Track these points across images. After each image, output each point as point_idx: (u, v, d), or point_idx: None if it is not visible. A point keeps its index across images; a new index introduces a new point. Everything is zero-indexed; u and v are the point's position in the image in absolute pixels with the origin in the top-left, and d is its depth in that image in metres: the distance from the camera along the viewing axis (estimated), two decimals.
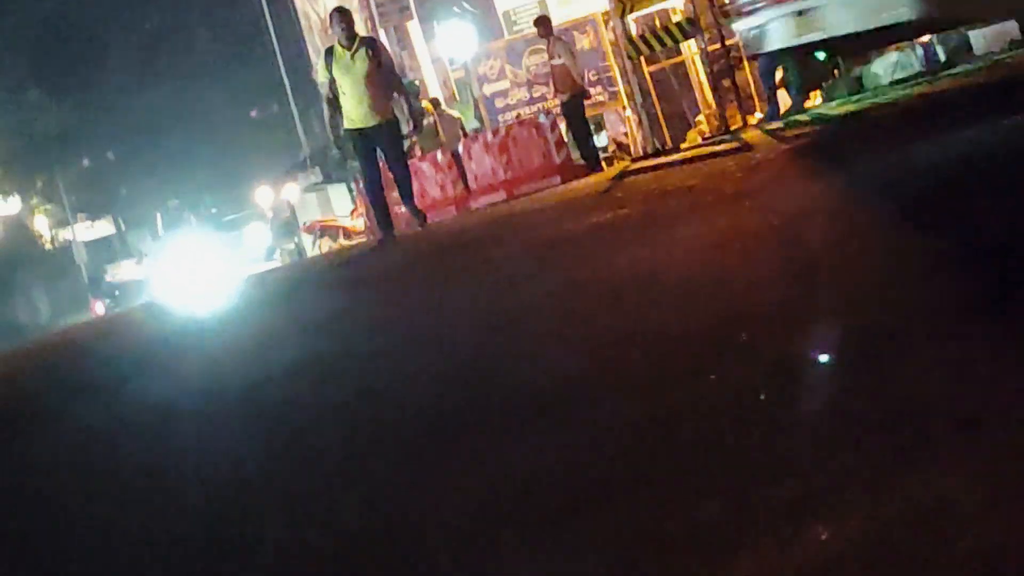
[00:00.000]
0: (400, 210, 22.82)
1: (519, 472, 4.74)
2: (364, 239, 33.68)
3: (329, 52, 16.02)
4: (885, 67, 25.90)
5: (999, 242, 6.48)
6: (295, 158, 61.69)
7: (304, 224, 42.88)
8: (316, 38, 44.64)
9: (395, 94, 16.41)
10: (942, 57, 25.57)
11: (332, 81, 15.94)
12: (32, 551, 6.11)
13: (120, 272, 48.17)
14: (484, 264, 12.57)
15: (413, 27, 41.32)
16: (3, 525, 6.83)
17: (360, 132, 15.99)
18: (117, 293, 51.81)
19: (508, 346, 8.11)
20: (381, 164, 18.16)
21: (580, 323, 7.77)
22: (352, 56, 15.79)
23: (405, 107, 16.45)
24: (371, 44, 16.23)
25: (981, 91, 17.40)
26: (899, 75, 25.09)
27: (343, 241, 37.48)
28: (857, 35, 16.12)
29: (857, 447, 3.86)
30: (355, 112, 15.78)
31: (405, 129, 17.98)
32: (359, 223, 37.00)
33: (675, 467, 4.22)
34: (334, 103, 16.07)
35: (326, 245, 38.15)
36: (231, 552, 5.19)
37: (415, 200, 17.63)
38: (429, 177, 31.24)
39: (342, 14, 16.19)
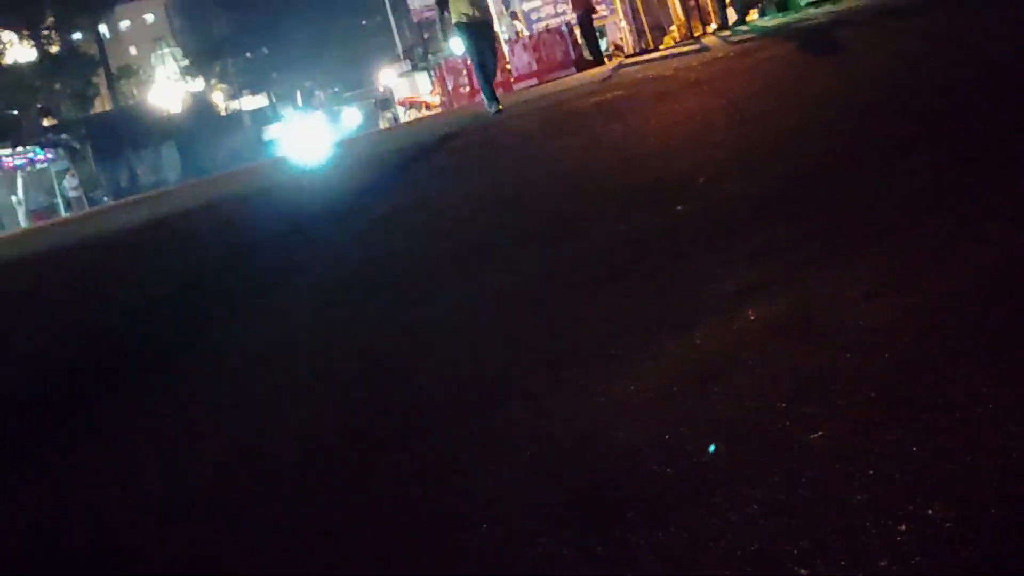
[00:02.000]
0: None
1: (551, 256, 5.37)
2: (440, 110, 35.41)
3: None
4: None
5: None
6: (392, 53, 63.20)
7: (398, 100, 43.36)
8: None
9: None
10: None
11: None
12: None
13: (271, 132, 49.99)
14: (524, 127, 14.05)
15: None
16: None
17: (467, 26, 15.83)
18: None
19: (535, 181, 9.10)
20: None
21: (582, 167, 8.70)
22: None
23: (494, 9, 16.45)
24: None
25: (862, 6, 17.56)
26: None
27: (425, 111, 38.22)
28: None
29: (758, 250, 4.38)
30: (464, 11, 15.64)
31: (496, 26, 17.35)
32: (435, 99, 38.53)
33: (648, 263, 4.80)
34: (444, 5, 16.06)
35: (413, 114, 38.81)
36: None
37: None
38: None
39: None
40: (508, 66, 31.52)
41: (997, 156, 4.88)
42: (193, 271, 9.28)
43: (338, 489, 3.09)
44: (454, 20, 16.08)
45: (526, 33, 34.35)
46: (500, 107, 15.93)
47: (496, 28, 17.97)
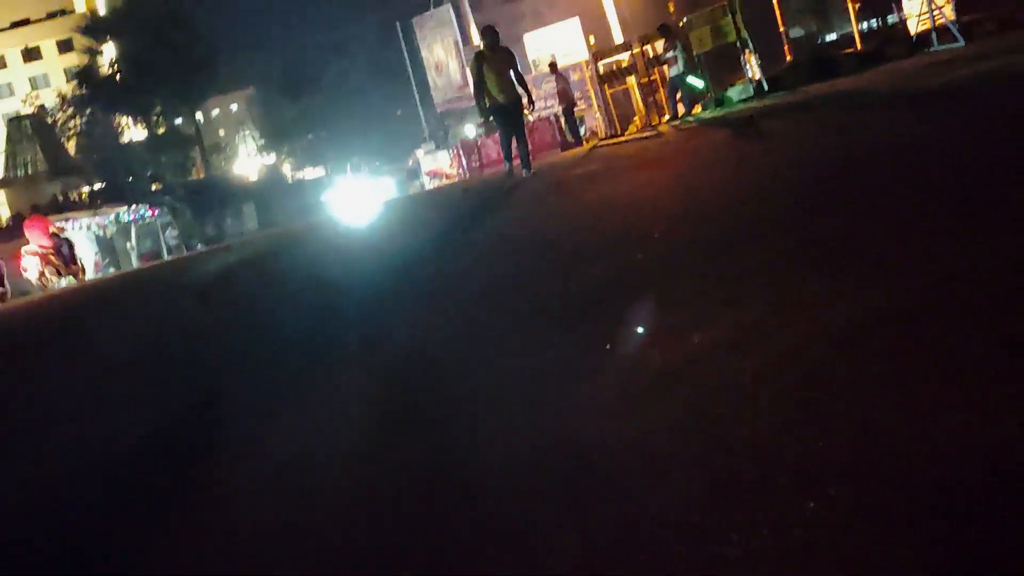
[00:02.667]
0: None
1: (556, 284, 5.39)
2: (456, 179, 34.87)
3: (480, 55, 14.86)
4: (735, 92, 26.10)
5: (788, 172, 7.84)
6: (420, 135, 63.56)
7: (425, 171, 43.63)
8: (431, 70, 45.02)
9: (519, 85, 15.03)
10: (766, 87, 26.09)
11: (480, 73, 14.84)
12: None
13: (327, 195, 50.18)
14: (522, 192, 13.36)
15: None
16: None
17: (499, 107, 14.88)
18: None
19: (531, 233, 8.70)
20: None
21: (573, 224, 8.37)
22: (495, 57, 14.71)
23: (525, 94, 15.10)
24: (506, 51, 14.98)
25: (786, 102, 18.13)
26: (742, 97, 25.53)
27: (444, 180, 37.94)
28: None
29: (706, 272, 4.63)
30: (496, 94, 14.74)
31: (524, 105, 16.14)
32: (453, 171, 38.33)
33: (638, 282, 4.80)
34: (481, 87, 14.96)
35: (435, 183, 38.69)
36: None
37: (528, 156, 16.05)
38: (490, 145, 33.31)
39: (491, 31, 14.99)
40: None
41: (874, 216, 4.90)
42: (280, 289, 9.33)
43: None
44: (488, 103, 15.08)
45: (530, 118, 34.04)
46: (532, 171, 15.08)
47: (525, 110, 16.05)
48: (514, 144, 15.91)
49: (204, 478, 3.53)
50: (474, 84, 15.19)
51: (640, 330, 3.89)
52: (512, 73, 14.91)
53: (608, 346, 3.74)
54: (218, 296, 10.51)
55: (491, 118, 16.27)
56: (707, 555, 1.92)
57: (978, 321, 2.89)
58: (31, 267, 26.05)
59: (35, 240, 27.07)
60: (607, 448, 2.67)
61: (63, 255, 26.90)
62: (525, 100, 15.43)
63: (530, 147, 30.22)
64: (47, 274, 26.03)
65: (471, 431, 3.20)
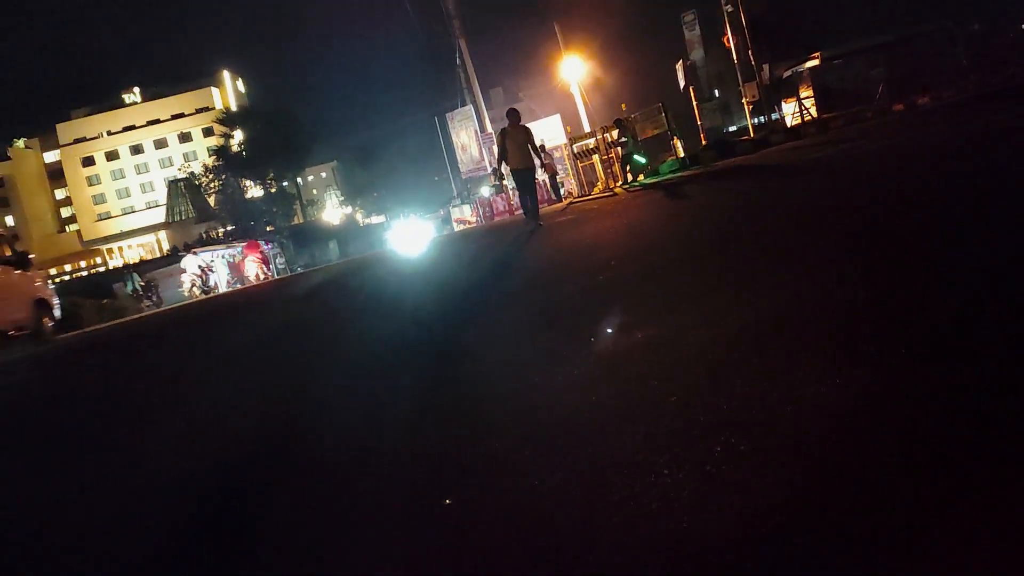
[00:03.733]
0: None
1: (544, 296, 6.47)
2: (475, 225, 34.94)
3: (504, 131, 13.47)
4: (666, 166, 25.64)
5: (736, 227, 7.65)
6: (451, 193, 63.60)
7: (454, 218, 43.26)
8: (459, 150, 45.01)
9: (534, 154, 13.65)
10: (688, 162, 26.22)
11: (503, 144, 13.41)
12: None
13: (388, 235, 49.90)
14: (523, 232, 12.81)
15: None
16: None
17: (517, 172, 13.52)
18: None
19: (534, 257, 8.86)
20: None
21: (554, 256, 8.19)
22: (516, 132, 13.31)
23: (537, 159, 13.82)
24: (525, 128, 13.58)
25: (702, 173, 18.16)
26: (672, 169, 25.11)
27: (466, 225, 37.61)
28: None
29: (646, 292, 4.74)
30: (515, 161, 13.36)
31: (538, 173, 15.01)
32: (472, 219, 38.25)
33: (598, 296, 4.75)
34: (503, 155, 13.49)
35: (460, 227, 38.40)
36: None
37: (537, 211, 14.29)
38: (499, 201, 33.32)
39: (514, 112, 13.71)
40: (513, 201, 31.62)
41: (761, 251, 4.89)
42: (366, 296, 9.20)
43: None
44: (509, 168, 13.60)
45: (510, 187, 33.55)
46: (540, 223, 13.33)
47: (538, 173, 14.71)
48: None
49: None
50: (498, 152, 13.61)
51: (600, 329, 3.86)
52: (529, 146, 13.46)
53: (577, 340, 3.73)
54: (317, 299, 10.64)
55: (503, 180, 16.03)
56: (647, 483, 1.92)
57: (833, 324, 2.92)
58: (251, 270, 32.22)
59: (251, 255, 32.44)
60: (576, 409, 2.67)
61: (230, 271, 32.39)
62: (537, 162, 14.06)
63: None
64: (259, 274, 31.69)
65: (482, 396, 3.17)
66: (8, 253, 13.75)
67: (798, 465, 1.83)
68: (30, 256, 14.65)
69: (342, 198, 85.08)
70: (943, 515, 1.49)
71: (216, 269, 31.59)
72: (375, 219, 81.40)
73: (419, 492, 2.27)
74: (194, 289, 28.82)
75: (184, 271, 29.42)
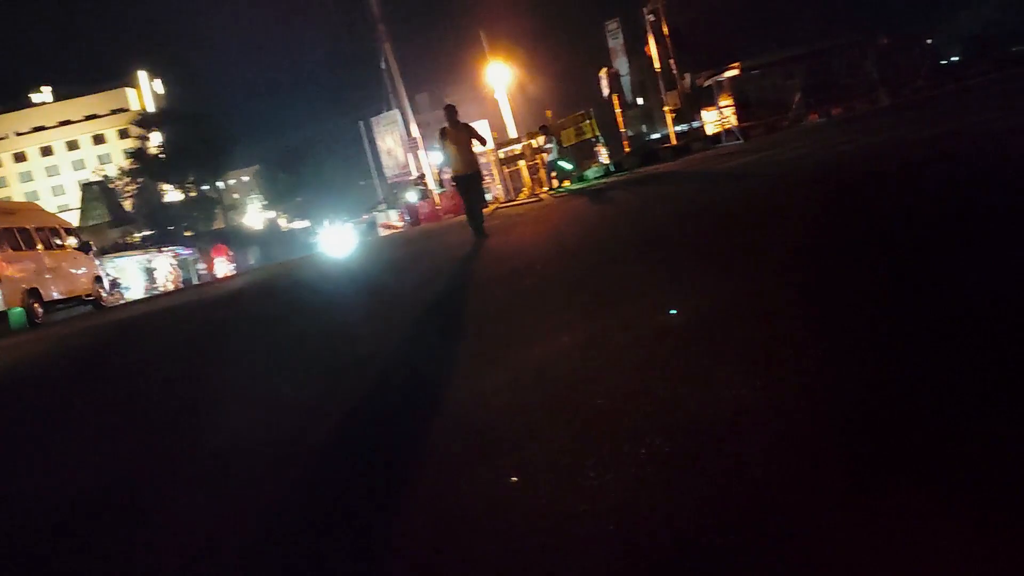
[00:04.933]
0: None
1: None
2: (401, 230, 34.28)
3: (443, 132, 11.51)
4: (591, 172, 26.24)
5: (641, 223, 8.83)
6: (376, 199, 62.89)
7: (379, 223, 42.55)
8: (384, 154, 44.64)
9: (478, 142, 11.89)
10: (612, 168, 27.32)
11: (445, 147, 11.64)
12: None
13: (313, 239, 49.07)
14: (449, 237, 13.35)
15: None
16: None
17: (459, 178, 11.59)
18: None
19: (460, 261, 9.00)
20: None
21: (481, 260, 8.47)
22: (456, 132, 11.33)
23: (481, 146, 12.08)
24: (467, 127, 11.68)
25: (626, 179, 19.09)
26: (597, 175, 25.89)
27: (392, 231, 36.90)
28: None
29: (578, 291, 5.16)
30: (457, 165, 11.48)
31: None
32: (399, 224, 37.72)
33: (525, 300, 4.95)
34: (447, 159, 11.88)
35: (387, 232, 37.45)
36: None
37: (482, 221, 11.76)
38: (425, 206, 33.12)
39: (450, 109, 11.66)
40: (438, 205, 31.35)
41: (681, 254, 4.99)
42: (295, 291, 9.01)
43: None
44: (451, 174, 11.88)
45: (436, 191, 33.15)
46: (484, 236, 11.15)
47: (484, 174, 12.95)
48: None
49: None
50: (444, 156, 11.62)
51: (526, 334, 3.86)
52: (471, 146, 11.69)
53: (504, 345, 3.72)
54: (244, 300, 10.33)
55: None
56: (574, 487, 1.93)
57: (753, 327, 2.97)
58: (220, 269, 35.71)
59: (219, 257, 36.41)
60: (504, 413, 2.66)
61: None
62: (479, 150, 12.27)
63: (452, 207, 30.07)
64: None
65: (410, 402, 3.12)
66: (76, 241, 18.88)
67: (720, 466, 1.85)
68: (90, 243, 20.41)
69: (265, 203, 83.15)
70: (860, 510, 1.52)
71: (125, 275, 31.10)
72: (299, 224, 79.96)
73: (340, 504, 2.24)
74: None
75: None
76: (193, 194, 64.97)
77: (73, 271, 17.86)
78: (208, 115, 67.77)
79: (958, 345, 2.24)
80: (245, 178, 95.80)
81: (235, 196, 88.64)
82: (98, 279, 19.36)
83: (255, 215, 79.67)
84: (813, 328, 2.75)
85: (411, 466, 2.36)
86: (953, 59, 36.00)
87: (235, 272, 34.88)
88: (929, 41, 26.34)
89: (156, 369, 5.80)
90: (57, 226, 18.53)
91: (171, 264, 30.95)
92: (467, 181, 11.70)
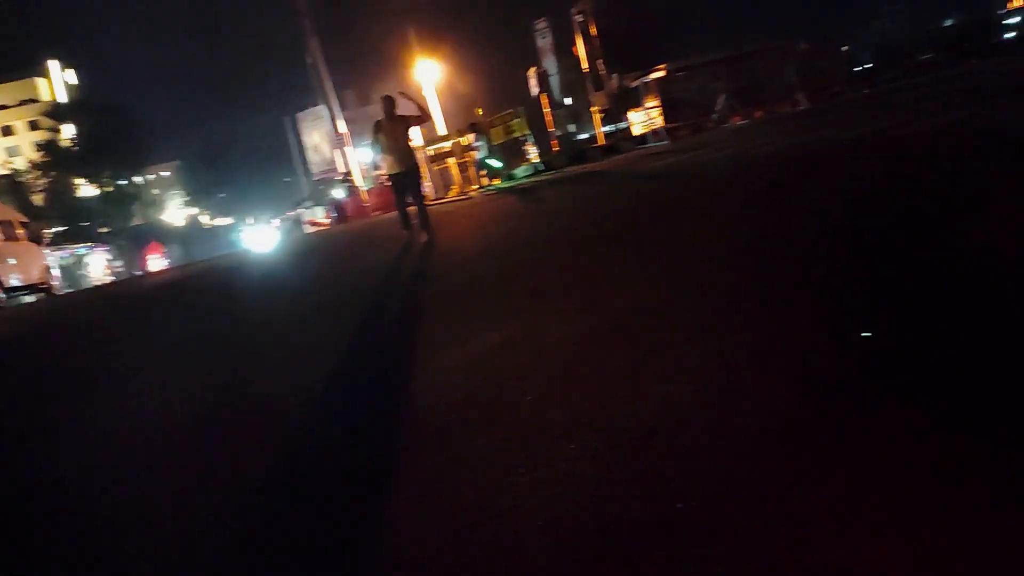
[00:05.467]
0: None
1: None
2: (327, 227, 33.84)
3: (377, 124, 9.76)
4: (521, 170, 26.35)
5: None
6: (302, 196, 61.78)
7: (304, 220, 42.10)
8: (310, 150, 44.03)
9: (420, 120, 10.41)
10: (541, 167, 27.68)
11: (377, 141, 9.60)
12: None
13: (237, 237, 48.01)
14: (374, 234, 13.49)
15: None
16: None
17: (396, 175, 9.66)
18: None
19: (384, 260, 9.19)
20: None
21: (410, 258, 8.29)
22: (393, 125, 9.56)
23: (424, 117, 10.60)
24: (404, 120, 10.00)
25: (555, 178, 19.11)
26: (527, 174, 25.31)
27: (318, 228, 36.29)
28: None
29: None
30: (393, 161, 9.65)
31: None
32: (326, 221, 36.92)
33: (451, 301, 5.52)
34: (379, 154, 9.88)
35: (312, 229, 36.74)
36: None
37: (428, 220, 9.72)
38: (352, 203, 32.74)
39: (388, 99, 9.98)
40: (366, 202, 30.94)
41: (604, 256, 5.03)
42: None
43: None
44: (387, 172, 10.17)
45: (363, 187, 32.64)
46: (408, 232, 9.88)
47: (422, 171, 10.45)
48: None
49: None
50: (377, 151, 9.85)
51: (457, 332, 3.85)
52: (409, 140, 10.08)
53: (435, 344, 3.70)
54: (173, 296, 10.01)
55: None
56: (503, 484, 1.93)
57: (679, 323, 3.02)
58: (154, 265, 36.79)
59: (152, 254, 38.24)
60: (435, 411, 2.65)
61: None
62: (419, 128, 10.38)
63: (380, 204, 29.54)
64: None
65: (341, 401, 3.10)
66: (28, 233, 19.70)
67: (648, 460, 1.88)
68: (41, 235, 21.19)
69: (186, 199, 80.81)
70: (791, 504, 1.56)
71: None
72: (222, 221, 77.93)
73: (270, 506, 2.19)
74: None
75: None
76: (110, 189, 62.68)
77: (29, 260, 19.27)
78: (124, 107, 65.39)
79: (882, 340, 2.32)
80: (165, 173, 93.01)
81: (155, 192, 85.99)
82: (48, 269, 20.60)
83: (176, 212, 77.45)
84: (739, 325, 2.80)
85: (332, 470, 2.33)
86: (866, 66, 37.50)
87: (165, 268, 34.83)
88: (845, 48, 27.23)
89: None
90: (12, 219, 19.74)
91: (107, 259, 31.77)
92: (405, 178, 10.07)
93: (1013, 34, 39.91)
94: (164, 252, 41.63)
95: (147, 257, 41.54)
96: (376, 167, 9.52)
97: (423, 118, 10.16)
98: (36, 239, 20.09)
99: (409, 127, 10.09)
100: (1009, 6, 42.62)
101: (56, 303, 14.29)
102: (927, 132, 7.72)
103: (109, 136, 60.08)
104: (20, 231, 19.51)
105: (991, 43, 34.49)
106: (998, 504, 1.40)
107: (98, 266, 35.16)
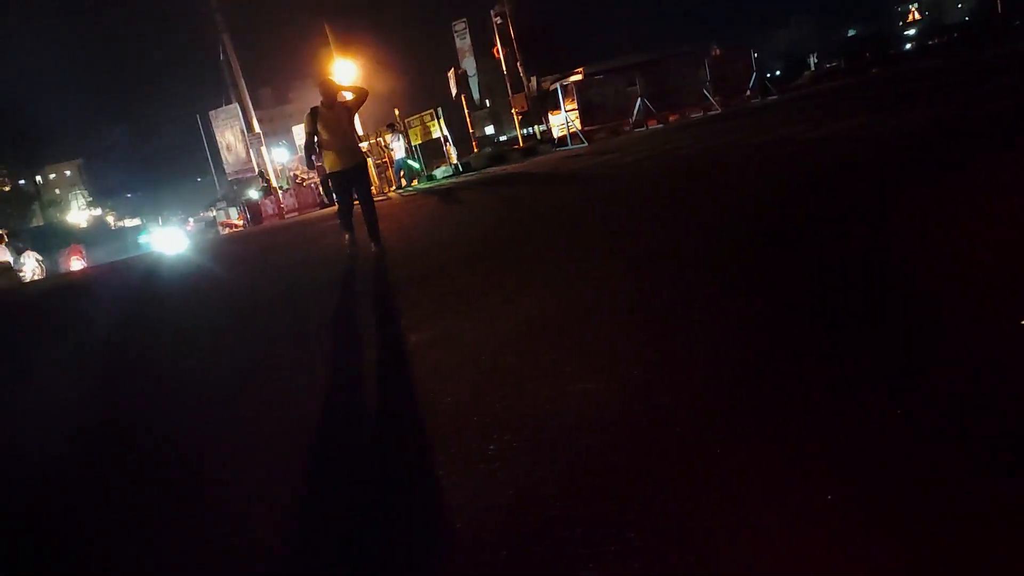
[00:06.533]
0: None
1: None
2: (241, 229, 33.20)
3: (314, 112, 7.71)
4: (440, 171, 26.85)
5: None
6: (215, 196, 60.46)
7: (219, 221, 41.35)
8: (224, 149, 42.99)
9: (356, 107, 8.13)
10: (460, 168, 27.68)
11: (313, 132, 7.59)
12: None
13: (145, 239, 46.85)
14: (289, 235, 13.81)
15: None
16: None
17: (338, 173, 7.69)
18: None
19: (298, 260, 9.96)
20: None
21: (326, 260, 8.48)
22: (333, 113, 7.58)
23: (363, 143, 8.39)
24: (346, 108, 7.97)
25: (474, 179, 19.43)
26: (446, 174, 25.48)
27: (232, 229, 35.72)
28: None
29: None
30: (335, 157, 7.67)
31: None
32: (240, 223, 36.08)
33: (367, 306, 5.38)
34: (311, 147, 7.70)
35: (227, 231, 36.44)
36: None
37: (377, 227, 7.94)
38: (268, 204, 32.08)
39: (326, 84, 7.74)
40: (282, 203, 30.40)
41: (531, 251, 5.07)
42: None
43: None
44: (328, 170, 7.83)
45: (279, 188, 31.92)
46: (351, 242, 8.07)
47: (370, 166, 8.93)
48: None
49: None
50: (305, 144, 7.88)
51: (375, 334, 3.82)
52: (354, 130, 8.12)
53: (351, 346, 3.66)
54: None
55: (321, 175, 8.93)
56: (423, 487, 1.92)
57: (598, 323, 3.06)
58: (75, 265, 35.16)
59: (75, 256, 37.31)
60: (354, 414, 2.62)
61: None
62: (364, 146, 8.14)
63: (299, 205, 29.15)
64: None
65: (259, 401, 3.03)
66: None
67: (567, 458, 1.89)
68: (3, 234, 23.85)
69: (90, 199, 77.75)
70: (703, 496, 1.59)
71: None
72: (129, 222, 75.35)
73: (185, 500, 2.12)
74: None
75: None
76: (6, 188, 59.87)
77: None
78: (20, 102, 62.62)
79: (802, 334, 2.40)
80: (68, 172, 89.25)
81: (56, 191, 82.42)
82: (10, 264, 23.07)
83: (79, 212, 74.46)
84: (659, 324, 2.86)
85: (245, 474, 2.28)
86: (776, 72, 38.90)
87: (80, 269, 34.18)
88: (755, 55, 28.10)
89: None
90: None
91: (37, 259, 31.76)
92: (351, 176, 7.98)
93: (910, 45, 42.07)
94: (83, 254, 42.78)
95: (71, 258, 42.13)
96: (309, 164, 7.95)
97: (362, 96, 8.18)
98: None
99: (353, 114, 8.20)
100: (909, 19, 44.91)
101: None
102: (829, 137, 8.05)
103: (3, 132, 57.44)
104: None
105: (890, 53, 36.29)
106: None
107: (31, 266, 34.16)
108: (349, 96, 7.97)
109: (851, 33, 46.67)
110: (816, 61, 38.25)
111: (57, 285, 15.53)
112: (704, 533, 1.46)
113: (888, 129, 7.45)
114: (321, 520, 1.89)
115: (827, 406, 1.86)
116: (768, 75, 36.01)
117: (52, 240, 53.76)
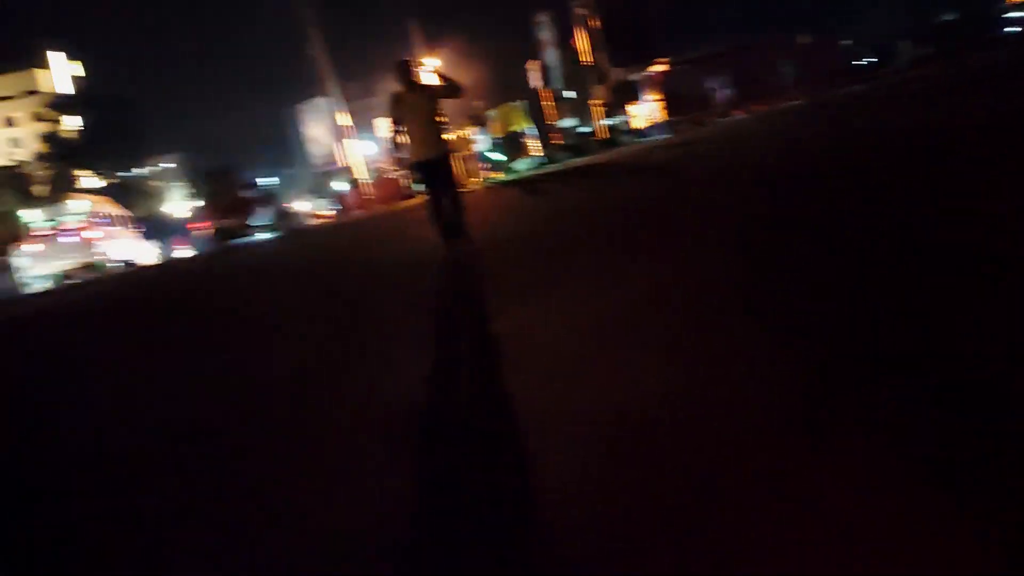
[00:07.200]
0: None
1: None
2: (333, 219, 34.50)
3: (396, 98, 6.90)
4: (522, 164, 27.53)
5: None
6: (303, 187, 61.13)
7: (307, 213, 42.24)
8: (310, 143, 43.79)
9: (450, 93, 7.18)
10: (543, 160, 27.59)
11: (398, 119, 6.83)
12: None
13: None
14: (383, 225, 13.93)
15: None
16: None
17: (421, 164, 6.88)
18: None
19: (379, 256, 9.92)
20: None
21: (415, 247, 9.00)
22: (415, 97, 6.83)
23: (456, 88, 6.94)
24: (428, 90, 7.06)
25: (556, 171, 19.47)
26: (529, 166, 26.63)
27: (323, 220, 36.88)
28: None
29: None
30: (417, 147, 6.89)
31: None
32: (329, 213, 37.33)
33: (455, 294, 5.45)
34: (396, 134, 6.96)
35: (315, 222, 37.50)
36: None
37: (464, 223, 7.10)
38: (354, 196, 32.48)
39: (404, 65, 7.03)
40: (370, 195, 30.86)
41: (611, 245, 5.01)
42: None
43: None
44: (412, 159, 6.97)
45: (365, 180, 32.54)
46: (467, 243, 7.18)
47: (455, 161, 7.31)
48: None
49: None
50: (390, 130, 7.25)
51: (456, 323, 3.82)
52: (438, 117, 7.12)
53: (434, 333, 3.66)
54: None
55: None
56: (511, 476, 1.92)
57: (682, 318, 2.98)
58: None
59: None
60: (433, 401, 2.63)
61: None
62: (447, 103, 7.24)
63: (380, 196, 29.53)
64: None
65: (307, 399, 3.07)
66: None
67: (649, 454, 1.86)
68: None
69: (192, 190, 79.92)
70: (784, 494, 1.55)
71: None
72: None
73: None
74: None
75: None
76: (114, 180, 62.51)
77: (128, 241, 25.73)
78: (128, 98, 65.28)
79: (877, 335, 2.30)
80: (170, 165, 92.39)
81: (158, 183, 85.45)
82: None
83: (179, 203, 76.80)
84: (742, 318, 2.78)
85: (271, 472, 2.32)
86: (870, 60, 37.26)
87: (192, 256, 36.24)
88: (846, 42, 27.16)
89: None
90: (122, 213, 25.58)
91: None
92: (433, 168, 7.20)
93: (1017, 28, 39.65)
94: (190, 242, 43.25)
95: (174, 246, 43.85)
96: (395, 152, 7.50)
97: (456, 89, 7.35)
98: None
99: (436, 102, 7.26)
100: (1010, 0, 42.41)
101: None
102: (915, 128, 7.70)
103: (112, 127, 59.93)
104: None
105: (990, 38, 34.34)
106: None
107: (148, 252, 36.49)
108: (435, 80, 7.32)
109: (947, 17, 44.36)
110: (911, 47, 36.54)
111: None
112: (796, 538, 1.41)
113: (987, 119, 7.08)
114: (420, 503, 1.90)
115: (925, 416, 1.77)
116: (858, 63, 34.67)
117: (154, 228, 55.96)
